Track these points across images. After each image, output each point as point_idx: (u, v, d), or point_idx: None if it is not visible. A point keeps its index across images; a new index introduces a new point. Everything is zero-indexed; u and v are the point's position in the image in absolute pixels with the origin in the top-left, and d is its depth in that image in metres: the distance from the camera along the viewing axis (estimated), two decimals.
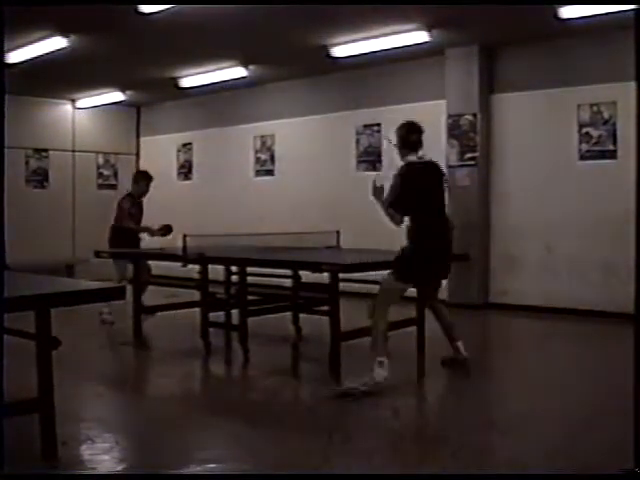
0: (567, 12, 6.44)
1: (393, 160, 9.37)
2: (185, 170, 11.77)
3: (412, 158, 4.73)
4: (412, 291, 5.81)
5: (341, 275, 4.92)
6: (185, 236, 5.67)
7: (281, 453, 3.39)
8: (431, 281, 5.07)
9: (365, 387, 4.35)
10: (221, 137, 10.95)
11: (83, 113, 11.74)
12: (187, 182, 11.74)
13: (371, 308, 4.70)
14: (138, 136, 12.46)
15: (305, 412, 4.24)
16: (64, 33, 7.24)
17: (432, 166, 4.88)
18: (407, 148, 4.74)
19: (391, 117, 9.07)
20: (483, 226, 8.20)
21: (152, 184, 7.51)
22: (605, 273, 7.30)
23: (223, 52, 8.47)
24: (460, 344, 5.04)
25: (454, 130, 8.20)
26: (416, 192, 4.64)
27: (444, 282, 5.59)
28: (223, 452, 3.50)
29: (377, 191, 4.68)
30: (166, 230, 7.28)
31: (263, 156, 10.59)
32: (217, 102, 10.91)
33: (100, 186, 11.71)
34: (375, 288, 4.64)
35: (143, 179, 7.51)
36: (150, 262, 7.07)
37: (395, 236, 8.43)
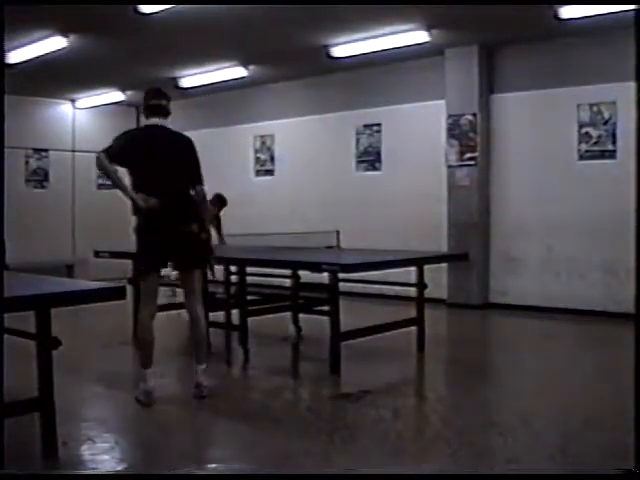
0: (567, 12, 6.44)
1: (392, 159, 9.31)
2: None
3: (153, 121, 4.52)
4: (412, 291, 5.85)
5: (341, 275, 4.92)
6: None
7: (281, 453, 3.39)
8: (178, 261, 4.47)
9: (142, 397, 4.14)
10: (221, 137, 10.93)
11: (83, 113, 11.73)
12: None
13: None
14: None
15: (305, 412, 4.25)
16: (64, 33, 7.23)
17: (173, 135, 4.59)
18: (147, 111, 4.62)
19: (391, 117, 9.11)
20: (483, 226, 8.20)
21: None
22: (605, 273, 7.30)
23: (223, 52, 8.46)
24: (201, 369, 4.30)
25: (454, 130, 8.19)
26: (138, 150, 4.39)
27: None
28: (223, 452, 3.51)
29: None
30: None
31: (263, 156, 10.59)
32: (217, 102, 10.90)
33: (100, 186, 11.69)
34: (374, 288, 4.63)
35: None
36: None
37: (396, 236, 8.43)
